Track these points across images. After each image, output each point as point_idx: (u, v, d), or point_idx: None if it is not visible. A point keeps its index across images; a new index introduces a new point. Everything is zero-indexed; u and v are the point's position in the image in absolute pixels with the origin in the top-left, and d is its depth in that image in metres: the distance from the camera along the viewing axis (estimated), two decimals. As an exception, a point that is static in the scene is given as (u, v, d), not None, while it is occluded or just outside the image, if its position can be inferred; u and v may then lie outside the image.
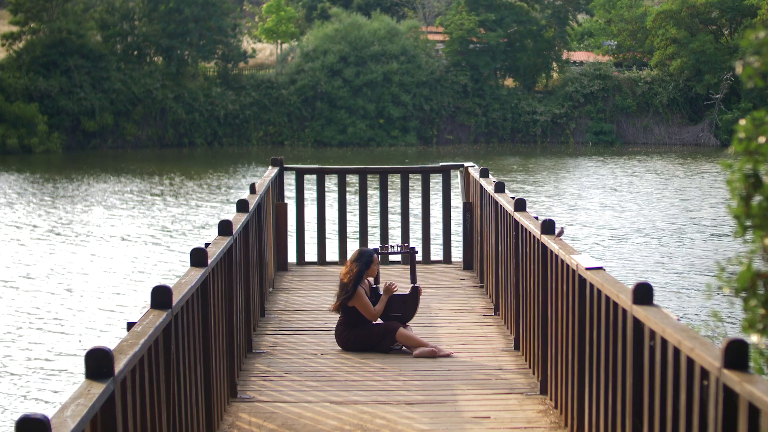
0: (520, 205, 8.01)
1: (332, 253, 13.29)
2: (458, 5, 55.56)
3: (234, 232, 7.13)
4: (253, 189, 9.49)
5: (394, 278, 10.47)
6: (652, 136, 54.68)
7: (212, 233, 19.93)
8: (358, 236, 12.39)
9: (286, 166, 12.18)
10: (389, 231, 12.54)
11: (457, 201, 14.33)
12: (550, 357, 6.92)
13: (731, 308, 13.25)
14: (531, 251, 7.44)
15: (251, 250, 8.66)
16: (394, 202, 17.08)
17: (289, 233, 12.29)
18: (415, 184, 24.00)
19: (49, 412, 9.61)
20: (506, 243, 8.75)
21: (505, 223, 8.78)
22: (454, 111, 54.32)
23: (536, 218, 7.48)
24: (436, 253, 13.80)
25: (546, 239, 6.75)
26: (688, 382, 3.96)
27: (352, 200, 22.07)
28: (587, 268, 5.60)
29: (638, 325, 4.65)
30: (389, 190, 12.60)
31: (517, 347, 8.25)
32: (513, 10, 55.46)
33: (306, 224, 12.76)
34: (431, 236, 12.57)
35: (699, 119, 54.35)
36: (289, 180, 14.99)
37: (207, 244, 6.64)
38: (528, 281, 7.66)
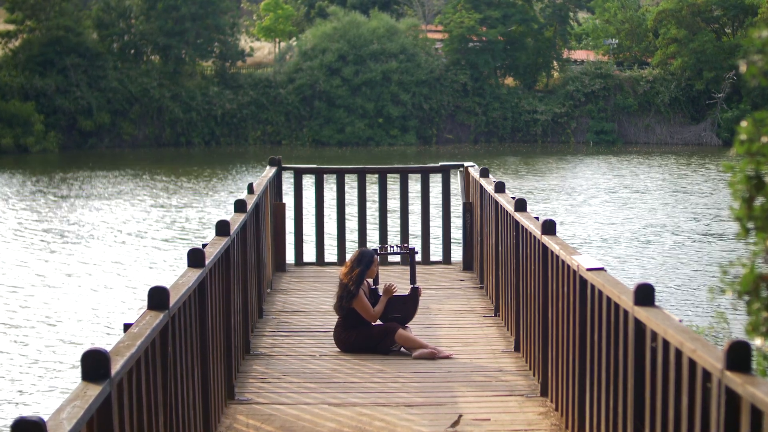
0: (521, 205, 7.97)
1: (331, 254, 13.25)
2: (457, 3, 55.52)
3: (232, 232, 7.09)
4: (251, 189, 9.44)
5: (394, 279, 10.43)
6: (654, 135, 54.65)
7: (210, 233, 19.88)
8: (357, 237, 12.35)
9: (284, 165, 12.13)
10: (388, 231, 12.49)
11: (457, 201, 14.29)
12: (550, 358, 6.88)
13: (734, 310, 13.22)
14: (531, 252, 7.40)
15: (249, 250, 8.61)
16: (394, 202, 17.03)
17: (287, 233, 12.24)
18: (415, 184, 23.97)
19: (46, 414, 9.57)
20: (506, 243, 8.71)
21: (505, 223, 8.74)
22: (454, 110, 54.29)
23: (536, 218, 7.44)
24: (436, 253, 13.76)
25: (546, 239, 6.71)
26: (690, 384, 3.93)
27: (351, 200, 22.05)
28: (588, 269, 5.56)
29: (640, 326, 4.61)
30: (388, 190, 12.56)
31: (517, 349, 8.21)
32: (513, 8, 55.42)
33: (304, 224, 12.72)
34: (431, 236, 12.52)
35: (701, 118, 54.32)
36: (288, 180, 14.96)
37: (204, 245, 6.60)
38: (528, 282, 7.62)
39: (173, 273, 17.14)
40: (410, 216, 12.42)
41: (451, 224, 12.55)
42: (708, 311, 14.21)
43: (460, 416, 6.55)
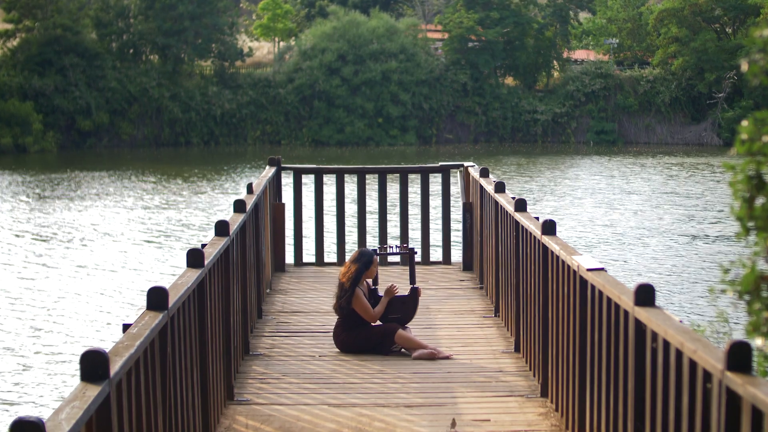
0: (521, 205, 7.96)
1: (330, 254, 13.23)
2: (457, 3, 55.51)
3: (231, 232, 7.07)
4: (250, 189, 9.42)
5: (393, 279, 10.41)
6: (654, 135, 54.63)
7: (209, 234, 19.86)
8: (356, 237, 12.34)
9: (283, 165, 12.11)
10: (388, 231, 12.47)
11: (456, 201, 14.28)
12: (550, 359, 6.87)
13: (735, 310, 13.21)
14: (531, 252, 7.39)
15: (248, 250, 8.60)
16: (393, 203, 17.07)
17: (286, 234, 12.23)
18: (415, 184, 23.99)
19: (45, 414, 9.56)
20: (506, 243, 8.69)
21: (505, 223, 8.72)
22: (454, 110, 54.27)
23: (537, 219, 7.43)
24: (436, 253, 13.75)
25: (547, 240, 6.70)
26: (690, 385, 3.91)
27: (351, 200, 22.02)
28: (588, 269, 5.55)
29: (640, 326, 4.60)
30: (388, 190, 12.54)
31: (517, 349, 8.19)
32: (512, 9, 55.40)
33: (304, 225, 12.70)
34: (430, 237, 12.51)
35: (702, 118, 54.29)
36: (287, 180, 14.94)
37: (203, 245, 6.58)
38: (528, 282, 7.61)
39: (172, 274, 17.12)
40: (410, 216, 12.41)
41: (451, 224, 12.53)
42: (697, 312, 14.20)
43: (454, 419, 6.51)
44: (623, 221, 23.82)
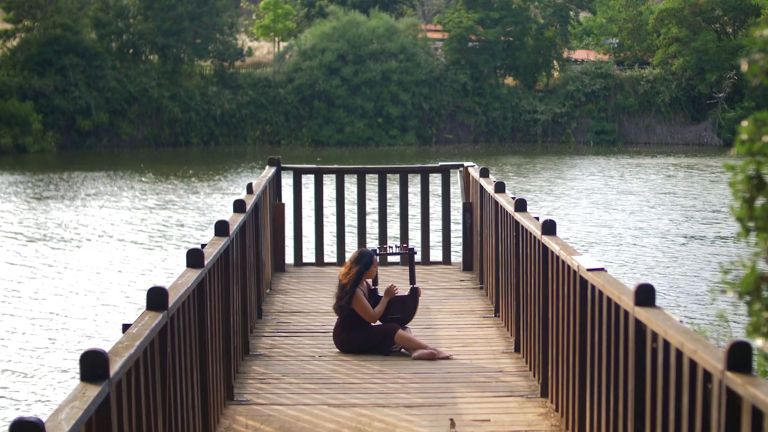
0: (521, 205, 7.95)
1: (330, 254, 13.22)
2: (457, 3, 55.51)
3: (231, 232, 7.07)
4: (250, 189, 9.42)
5: (393, 279, 10.41)
6: (654, 135, 54.64)
7: (209, 234, 19.86)
8: (356, 237, 12.34)
9: (283, 165, 12.11)
10: (388, 231, 12.47)
11: (456, 201, 14.28)
12: (550, 359, 6.86)
13: (735, 311, 13.20)
14: (531, 252, 7.38)
15: (248, 250, 8.60)
16: (393, 203, 17.06)
17: (286, 234, 12.22)
18: (414, 184, 23.98)
19: (44, 415, 9.56)
20: (506, 244, 8.69)
21: (505, 223, 8.72)
22: (454, 110, 54.27)
23: (536, 219, 7.43)
24: (436, 253, 13.75)
25: (547, 240, 6.70)
26: (690, 385, 3.91)
27: (351, 200, 22.03)
28: (588, 269, 5.55)
29: (640, 326, 4.60)
30: (388, 190, 12.53)
31: (517, 349, 8.19)
32: (512, 9, 55.40)
33: (303, 225, 12.70)
34: (430, 237, 12.50)
35: (702, 118, 54.30)
36: (287, 180, 14.94)
37: (203, 245, 6.58)
38: (528, 282, 7.60)
39: (172, 274, 17.12)
40: (410, 216, 12.40)
41: (451, 224, 12.52)
42: (697, 313, 14.20)
43: (452, 420, 6.50)
44: (622, 221, 23.81)
